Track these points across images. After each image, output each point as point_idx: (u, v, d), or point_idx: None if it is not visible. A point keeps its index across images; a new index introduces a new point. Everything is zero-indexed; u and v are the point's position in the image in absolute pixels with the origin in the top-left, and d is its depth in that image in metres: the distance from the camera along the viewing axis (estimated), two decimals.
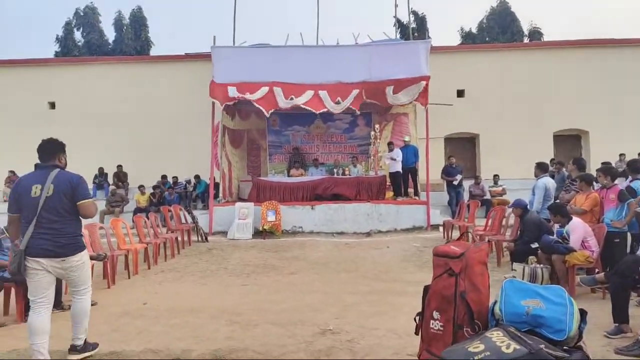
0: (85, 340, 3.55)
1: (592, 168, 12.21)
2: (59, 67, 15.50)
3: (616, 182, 5.56)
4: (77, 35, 24.34)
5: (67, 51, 23.42)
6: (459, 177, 11.66)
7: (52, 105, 15.03)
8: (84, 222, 3.58)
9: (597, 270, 4.98)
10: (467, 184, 12.21)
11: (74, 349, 3.49)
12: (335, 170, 12.21)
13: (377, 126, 12.50)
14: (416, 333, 2.96)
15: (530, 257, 5.39)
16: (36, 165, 3.53)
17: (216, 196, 11.91)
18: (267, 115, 11.48)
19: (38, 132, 15.55)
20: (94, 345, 3.62)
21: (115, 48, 23.73)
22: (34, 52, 41.16)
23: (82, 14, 24.26)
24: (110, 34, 24.57)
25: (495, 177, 12.37)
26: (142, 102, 14.64)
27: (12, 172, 14.15)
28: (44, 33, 42.34)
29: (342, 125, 13.48)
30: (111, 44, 24.27)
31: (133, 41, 23.96)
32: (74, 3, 40.44)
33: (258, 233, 10.11)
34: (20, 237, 3.29)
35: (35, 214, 3.24)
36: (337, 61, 11.20)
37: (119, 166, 13.84)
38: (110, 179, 14.08)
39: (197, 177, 13.49)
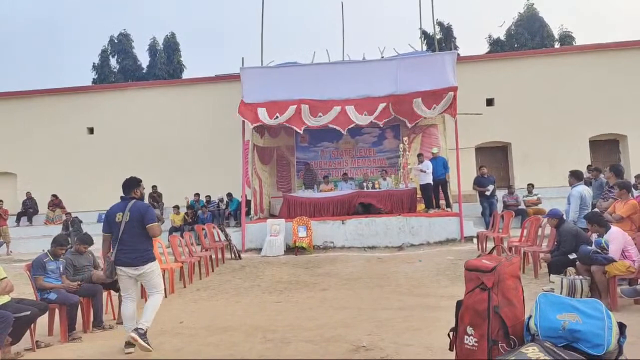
0: (146, 330, 4.24)
1: (632, 173, 11.74)
2: (96, 94, 16.28)
3: None
4: (112, 61, 25.58)
5: (104, 77, 24.62)
6: (491, 187, 11.41)
7: (91, 131, 15.80)
8: None
9: (639, 280, 4.76)
10: (500, 194, 11.93)
11: (136, 330, 4.18)
12: (364, 184, 12.23)
13: (405, 139, 12.46)
14: (450, 349, 2.94)
15: (569, 268, 5.21)
16: (121, 197, 4.52)
17: (248, 213, 12.13)
18: (301, 132, 11.68)
19: (78, 156, 16.58)
20: (146, 339, 4.19)
21: (148, 73, 24.77)
22: (73, 80, 43.56)
23: (116, 41, 25.51)
24: (143, 59, 25.71)
25: (530, 187, 12.02)
26: (175, 124, 15.20)
27: (54, 196, 14.90)
28: (82, 61, 44.72)
29: (371, 139, 13.53)
30: (145, 69, 25.36)
31: (166, 65, 24.94)
32: (108, 31, 42.68)
33: (290, 249, 10.20)
34: (111, 250, 4.36)
35: (119, 234, 4.30)
36: (364, 76, 11.30)
37: (154, 187, 14.33)
38: (146, 200, 14.59)
39: (229, 195, 13.78)
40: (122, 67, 25.21)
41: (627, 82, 13.86)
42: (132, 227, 4.28)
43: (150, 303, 4.42)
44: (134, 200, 4.44)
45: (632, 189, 5.92)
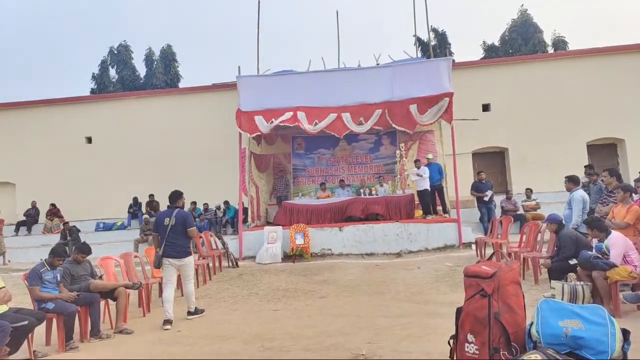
0: (195, 307, 5.89)
1: (631, 177, 11.74)
2: (94, 103, 16.29)
3: None
4: (112, 72, 25.66)
5: (103, 87, 24.69)
6: (489, 192, 11.39)
7: (89, 140, 15.77)
8: (121, 251, 6.81)
9: None
10: (498, 199, 11.92)
11: (189, 313, 5.84)
12: (361, 190, 12.20)
13: (402, 145, 12.46)
14: (451, 357, 2.89)
15: (570, 274, 5.17)
16: (167, 206, 6.01)
17: (245, 221, 12.06)
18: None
19: (77, 165, 16.57)
20: (202, 311, 5.94)
21: (146, 83, 24.84)
22: (72, 90, 43.57)
23: (116, 52, 25.60)
24: (142, 70, 25.78)
25: (528, 191, 12.02)
26: (172, 132, 15.20)
27: (53, 205, 14.86)
28: (81, 72, 44.81)
29: (367, 146, 13.52)
30: (142, 79, 25.42)
31: (163, 75, 25.02)
32: (108, 42, 42.77)
33: (287, 256, 10.14)
34: (159, 246, 5.71)
35: (165, 234, 5.68)
36: (359, 83, 11.32)
37: (151, 195, 14.27)
38: (144, 209, 14.53)
39: (226, 202, 13.74)
40: (120, 78, 25.30)
41: (623, 86, 13.94)
42: (177, 229, 5.65)
43: (187, 292, 5.88)
44: (178, 208, 5.82)
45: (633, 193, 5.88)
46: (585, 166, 10.55)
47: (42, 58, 49.31)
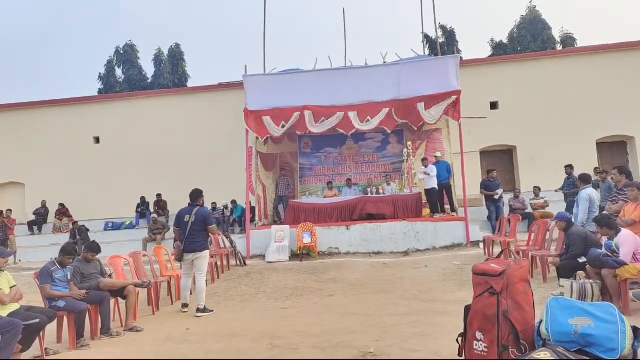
0: (205, 306, 5.98)
1: None
2: (102, 103, 16.42)
3: None
4: (118, 72, 25.84)
5: (110, 87, 24.86)
6: (499, 191, 11.32)
7: (97, 140, 15.91)
8: (130, 250, 7.18)
9: None
10: (506, 197, 11.85)
11: (198, 310, 5.94)
12: (368, 189, 12.19)
13: (409, 143, 12.43)
14: (459, 355, 2.89)
15: (579, 272, 5.14)
16: (188, 204, 6.33)
17: (252, 220, 12.11)
18: (302, 133, 11.70)
19: (85, 165, 16.70)
20: (211, 310, 6.01)
21: (153, 82, 24.98)
22: (79, 90, 43.99)
23: (122, 52, 25.78)
24: (148, 70, 25.94)
25: (536, 189, 11.93)
26: (180, 132, 15.28)
27: (61, 205, 15.01)
28: (87, 72, 45.20)
29: (374, 144, 13.50)
30: (150, 79, 25.57)
31: (171, 75, 25.15)
32: (114, 42, 43.10)
33: (295, 255, 10.17)
34: (180, 240, 6.13)
35: (186, 230, 6.10)
36: (367, 81, 11.29)
37: (159, 195, 14.37)
38: (152, 208, 14.64)
39: (233, 202, 13.79)
40: (127, 77, 25.45)
41: (633, 83, 13.78)
42: (196, 226, 6.05)
43: (198, 287, 6.04)
44: (198, 207, 6.20)
45: None
46: (595, 169, 10.57)
47: (49, 59, 49.81)
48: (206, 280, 6.25)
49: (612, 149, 14.31)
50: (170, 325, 5.48)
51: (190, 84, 25.30)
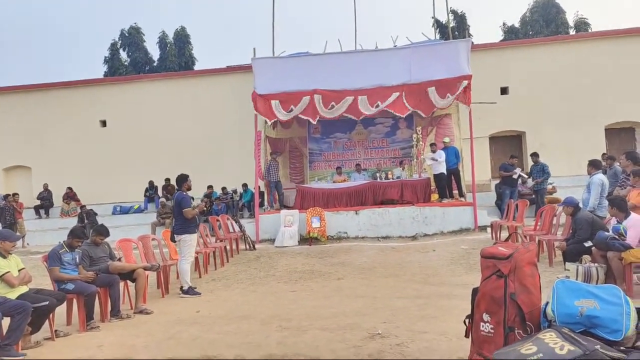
0: (190, 287, 6.19)
1: None
2: (109, 86, 16.43)
3: None
4: (123, 55, 25.77)
5: (114, 71, 24.80)
6: (517, 170, 11.20)
7: (104, 123, 15.96)
8: (138, 234, 7.64)
9: None
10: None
11: (181, 290, 6.21)
12: (377, 175, 12.20)
13: (419, 129, 12.37)
14: (466, 336, 2.95)
15: (584, 256, 5.17)
16: (176, 189, 6.64)
17: (262, 204, 12.20)
18: (314, 122, 11.68)
19: (91, 149, 16.74)
20: (197, 293, 6.19)
21: (160, 65, 24.92)
22: (84, 73, 43.96)
23: (127, 34, 25.67)
24: (154, 52, 25.84)
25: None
26: (187, 115, 15.31)
27: (69, 189, 15.15)
28: (92, 55, 45.06)
29: (384, 130, 13.46)
30: (156, 62, 25.51)
31: (177, 58, 25.06)
32: (119, 24, 42.93)
33: (304, 240, 10.27)
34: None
35: (172, 214, 7.12)
36: (377, 65, 11.21)
37: (167, 179, 14.48)
38: (160, 192, 14.78)
39: (244, 185, 13.84)
40: (132, 60, 25.39)
41: None
42: (175, 210, 6.39)
43: (179, 268, 6.28)
44: (180, 191, 6.43)
45: None
46: (602, 154, 10.46)
47: (53, 41, 49.77)
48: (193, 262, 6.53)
49: (620, 134, 14.16)
50: (180, 308, 5.59)
51: (197, 67, 25.22)
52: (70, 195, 15.07)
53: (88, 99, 15.95)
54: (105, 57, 25.57)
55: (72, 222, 13.11)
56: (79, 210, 13.90)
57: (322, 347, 3.83)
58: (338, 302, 5.39)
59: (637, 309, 2.33)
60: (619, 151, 11.03)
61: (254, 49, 11.84)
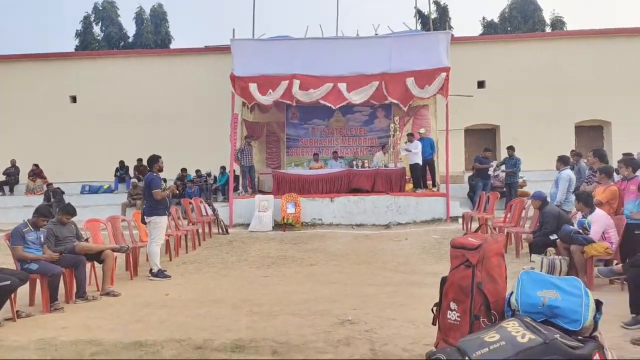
0: (159, 270, 6.12)
1: (614, 159, 11.99)
2: (80, 61, 15.81)
3: (637, 173, 5.45)
4: (96, 29, 24.79)
5: (87, 45, 23.85)
6: (494, 163, 11.46)
7: (74, 99, 15.39)
8: (108, 214, 7.50)
9: (615, 261, 4.94)
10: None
11: (150, 272, 6.13)
12: (354, 162, 12.24)
13: (396, 118, 12.43)
14: (433, 323, 3.01)
15: (549, 248, 5.36)
16: (148, 170, 6.54)
17: (236, 189, 12.07)
18: (293, 104, 11.55)
19: (60, 125, 16.11)
20: (166, 276, 6.12)
21: (135, 42, 24.10)
22: (54, 46, 42.00)
23: (100, 8, 24.68)
24: (129, 28, 24.98)
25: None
26: (162, 94, 14.89)
27: (35, 165, 14.56)
28: (63, 27, 42.96)
29: (362, 118, 13.47)
30: (131, 38, 24.67)
31: (153, 35, 24.29)
32: None
33: (278, 225, 10.25)
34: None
35: (143, 195, 6.94)
36: (357, 53, 11.15)
37: (139, 160, 14.09)
38: (131, 172, 14.42)
39: (222, 168, 13.60)
40: (106, 35, 24.47)
41: (614, 70, 14.02)
42: (145, 191, 6.41)
43: (148, 251, 6.23)
44: (150, 172, 6.36)
45: (615, 173, 6.05)
46: (571, 151, 10.80)
47: (21, 10, 47.31)
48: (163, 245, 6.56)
49: (589, 132, 14.66)
50: (148, 291, 5.49)
51: (173, 46, 24.52)
52: (36, 172, 14.50)
53: (58, 73, 15.31)
54: (77, 30, 24.55)
55: (38, 200, 12.63)
56: (45, 188, 13.43)
57: (291, 332, 3.85)
58: (310, 288, 5.42)
59: (595, 300, 2.42)
60: (587, 148, 11.42)
61: (234, 29, 11.60)
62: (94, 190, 14.28)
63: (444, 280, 2.94)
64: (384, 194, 10.87)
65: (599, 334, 2.39)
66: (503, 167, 11.34)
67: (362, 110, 13.28)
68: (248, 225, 10.39)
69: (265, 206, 10.46)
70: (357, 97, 10.97)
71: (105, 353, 3.48)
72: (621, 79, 13.95)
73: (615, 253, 5.04)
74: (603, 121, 14.46)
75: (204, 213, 10.18)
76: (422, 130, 11.75)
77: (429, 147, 11.45)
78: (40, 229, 5.04)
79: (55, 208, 10.10)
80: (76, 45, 24.28)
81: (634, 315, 3.74)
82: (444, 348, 2.60)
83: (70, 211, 5.47)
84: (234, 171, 11.91)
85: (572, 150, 11.12)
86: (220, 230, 9.93)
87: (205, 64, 14.80)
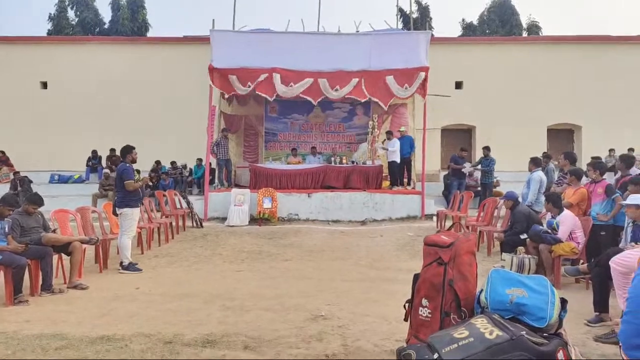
0: (130, 263, 6.02)
1: (584, 162, 12.43)
2: (52, 46, 15.29)
3: (604, 176, 5.65)
4: (71, 14, 23.96)
5: (60, 29, 23.03)
6: (467, 165, 11.67)
7: (44, 85, 14.89)
8: (78, 205, 6.90)
9: (581, 261, 5.10)
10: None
11: (120, 265, 6.02)
12: (332, 158, 12.25)
13: (375, 116, 12.50)
14: (405, 320, 3.04)
15: (519, 247, 5.50)
16: (121, 161, 6.37)
17: (212, 182, 11.91)
18: (271, 99, 11.46)
19: (29, 112, 15.56)
20: (137, 269, 6.02)
21: (111, 28, 23.41)
22: (26, 30, 40.44)
23: None
24: (105, 14, 24.25)
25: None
26: (138, 84, 14.55)
27: (2, 152, 14.05)
28: (36, 10, 41.32)
29: (341, 114, 13.49)
30: (107, 24, 23.95)
31: (130, 22, 23.63)
32: None
33: (254, 220, 10.17)
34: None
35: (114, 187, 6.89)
36: (338, 49, 11.14)
37: (112, 150, 13.75)
38: (104, 162, 14.04)
39: (199, 160, 13.37)
40: (81, 20, 23.67)
41: (587, 75, 14.48)
42: (117, 182, 6.22)
43: (120, 242, 6.09)
44: (123, 163, 6.23)
45: (584, 176, 6.25)
46: (543, 153, 11.09)
47: None
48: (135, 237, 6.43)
49: (560, 135, 15.11)
50: (118, 284, 5.37)
51: (151, 34, 23.94)
52: (2, 160, 13.95)
53: (28, 58, 14.74)
54: (51, 14, 23.65)
55: (4, 189, 12.15)
56: (11, 177, 12.94)
57: (264, 327, 3.83)
58: (283, 283, 5.40)
59: (561, 298, 2.49)
60: (559, 151, 11.76)
61: (213, 20, 11.42)
62: (63, 180, 13.84)
63: (416, 277, 2.96)
64: (361, 190, 10.93)
65: (563, 331, 2.45)
66: (480, 166, 11.53)
67: (341, 107, 13.30)
68: (223, 219, 10.27)
69: (242, 200, 10.36)
70: (337, 93, 10.97)
71: (71, 347, 3.37)
72: (593, 85, 14.43)
73: (582, 253, 5.21)
74: (574, 125, 14.93)
75: (178, 206, 10.00)
76: (402, 129, 11.86)
77: (408, 145, 11.57)
78: (5, 218, 4.86)
79: (22, 197, 9.79)
80: (49, 30, 23.41)
81: (597, 313, 3.87)
82: (414, 344, 2.62)
83: (37, 201, 5.27)
84: (210, 164, 11.73)
85: (544, 153, 11.45)
86: (195, 224, 9.78)
87: (183, 54, 14.52)
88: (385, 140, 11.64)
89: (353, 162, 11.91)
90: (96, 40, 16.46)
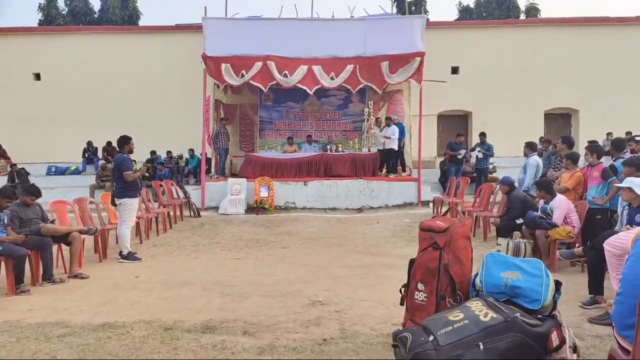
0: (129, 252, 6.04)
1: (581, 146, 12.45)
2: (44, 37, 15.07)
3: (601, 160, 5.67)
4: (61, 3, 23.65)
5: (50, 19, 22.74)
6: (462, 151, 11.66)
7: (37, 77, 14.74)
8: (75, 196, 6.82)
9: (577, 244, 5.16)
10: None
11: (120, 255, 6.04)
12: (328, 147, 12.24)
13: (371, 103, 12.45)
14: (401, 304, 3.09)
15: (515, 232, 5.55)
16: (117, 151, 6.53)
17: (208, 171, 11.90)
18: (265, 90, 11.39)
19: (23, 103, 15.40)
20: (137, 258, 6.03)
21: (101, 17, 23.13)
22: (16, 20, 39.81)
23: None
24: (95, 3, 23.95)
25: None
26: (131, 73, 14.40)
27: None
28: (25, 1, 40.62)
29: (336, 102, 13.42)
30: (97, 13, 23.64)
31: (120, 10, 23.32)
32: None
33: (251, 208, 10.19)
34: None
35: (112, 177, 6.74)
36: (332, 35, 11.04)
37: (109, 142, 13.67)
38: (100, 153, 13.98)
39: (191, 150, 13.38)
40: (71, 10, 23.36)
41: (584, 59, 14.37)
42: (115, 173, 6.17)
43: (118, 233, 6.17)
44: (120, 154, 6.24)
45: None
46: (540, 138, 11.10)
47: None
48: (132, 227, 6.36)
49: (558, 120, 15.09)
50: (118, 273, 5.41)
51: (142, 22, 23.65)
52: None
53: (21, 49, 14.55)
54: (41, 4, 23.30)
55: (1, 181, 12.13)
56: (9, 169, 12.88)
57: (262, 313, 3.87)
58: (281, 270, 5.45)
59: (555, 281, 2.53)
60: (556, 135, 11.79)
61: (205, 7, 11.22)
62: (60, 171, 13.80)
63: (412, 262, 3.00)
64: (358, 178, 10.95)
65: (557, 313, 2.50)
66: (478, 149, 11.49)
67: (336, 94, 13.22)
68: (219, 208, 10.28)
69: (238, 189, 10.38)
70: (332, 81, 10.90)
71: (73, 335, 3.42)
72: (590, 68, 14.33)
73: (577, 237, 5.26)
74: (571, 109, 14.90)
75: (175, 196, 10.01)
76: (393, 117, 11.83)
77: (399, 132, 11.55)
78: (4, 210, 4.87)
79: (19, 190, 9.76)
80: (40, 20, 23.11)
81: (592, 295, 3.94)
82: (410, 327, 2.67)
83: (34, 192, 5.28)
84: (206, 154, 11.70)
85: (541, 137, 11.47)
86: (192, 214, 9.81)
87: (176, 43, 14.34)
88: (384, 127, 11.61)
89: (348, 150, 11.87)
90: (88, 30, 16.25)
